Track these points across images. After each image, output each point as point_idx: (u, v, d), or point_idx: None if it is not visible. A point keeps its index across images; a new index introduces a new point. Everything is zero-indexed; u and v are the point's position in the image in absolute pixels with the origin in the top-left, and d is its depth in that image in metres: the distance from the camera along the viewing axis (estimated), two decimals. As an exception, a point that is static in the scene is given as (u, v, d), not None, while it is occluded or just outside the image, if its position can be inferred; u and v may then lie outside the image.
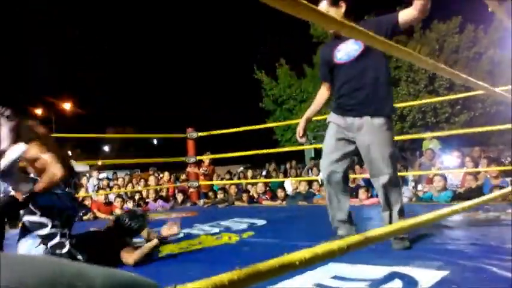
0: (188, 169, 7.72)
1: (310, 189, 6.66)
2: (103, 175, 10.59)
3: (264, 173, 9.79)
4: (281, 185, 6.99)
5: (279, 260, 0.63)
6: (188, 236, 3.66)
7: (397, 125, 11.90)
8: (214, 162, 8.60)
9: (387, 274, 2.08)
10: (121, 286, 0.53)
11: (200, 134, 7.11)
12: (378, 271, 2.13)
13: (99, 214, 5.92)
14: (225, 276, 0.54)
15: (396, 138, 9.24)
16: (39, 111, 24.30)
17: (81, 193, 6.68)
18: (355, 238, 0.84)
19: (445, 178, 5.53)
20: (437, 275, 1.97)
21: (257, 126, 7.30)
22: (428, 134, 8.40)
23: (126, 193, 7.50)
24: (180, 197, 7.27)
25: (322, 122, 12.72)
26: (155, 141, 31.66)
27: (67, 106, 25.17)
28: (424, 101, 8.83)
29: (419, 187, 6.17)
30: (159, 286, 0.58)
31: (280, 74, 14.53)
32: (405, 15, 2.43)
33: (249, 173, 8.94)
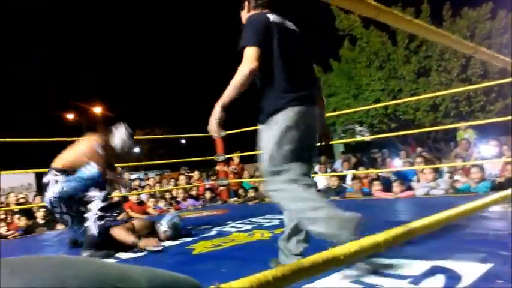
0: (217, 167, 7.75)
1: (343, 184, 6.55)
2: (134, 176, 10.80)
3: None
4: (311, 181, 6.91)
5: (322, 254, 0.59)
6: (221, 234, 3.65)
7: (429, 115, 11.56)
8: (244, 160, 8.59)
9: (428, 269, 2.01)
10: (165, 286, 0.52)
11: (228, 132, 7.11)
12: (418, 266, 2.05)
13: (132, 214, 6.03)
14: (268, 273, 0.51)
15: (429, 129, 9.04)
16: (70, 116, 24.97)
17: (115, 193, 6.81)
18: (400, 230, 0.79)
19: (482, 169, 5.33)
20: (480, 268, 1.88)
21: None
22: (463, 124, 8.12)
23: (156, 192, 7.60)
24: (208, 195, 7.30)
25: (351, 115, 12.62)
26: (183, 141, 32.04)
27: (97, 110, 25.76)
28: (457, 89, 8.55)
29: (456, 178, 5.96)
30: (201, 285, 0.56)
31: (306, 69, 14.40)
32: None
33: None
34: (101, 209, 3.20)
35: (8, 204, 6.77)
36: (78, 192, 3.22)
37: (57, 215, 3.33)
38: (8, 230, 5.14)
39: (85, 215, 3.19)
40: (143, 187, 8.33)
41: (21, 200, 6.94)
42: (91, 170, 3.21)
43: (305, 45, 2.26)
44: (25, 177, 12.55)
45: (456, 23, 12.14)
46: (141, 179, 9.84)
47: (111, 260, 3.00)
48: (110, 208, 3.38)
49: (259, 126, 2.17)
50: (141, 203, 6.59)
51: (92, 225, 3.15)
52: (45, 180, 3.27)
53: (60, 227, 5.22)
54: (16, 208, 5.87)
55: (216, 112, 2.03)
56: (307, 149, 2.14)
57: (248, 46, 2.02)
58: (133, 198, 6.67)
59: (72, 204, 3.24)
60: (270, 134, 2.07)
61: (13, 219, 5.69)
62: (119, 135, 3.45)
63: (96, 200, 3.20)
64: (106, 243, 3.20)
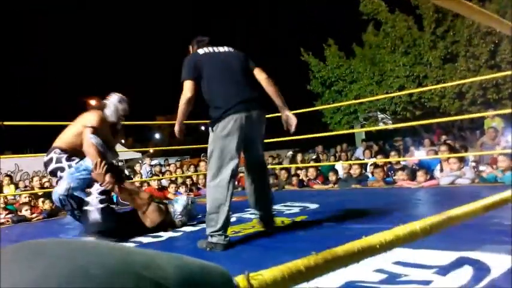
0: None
1: (365, 172, 6.44)
2: (155, 161, 10.88)
3: (314, 156, 9.64)
4: (332, 168, 6.81)
5: (357, 243, 0.55)
6: (240, 220, 3.63)
7: (455, 103, 11.22)
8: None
9: (455, 260, 1.94)
10: (193, 274, 0.50)
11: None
12: (444, 256, 1.98)
13: (152, 199, 6.06)
14: (300, 262, 0.48)
15: (454, 118, 8.80)
16: (93, 102, 25.32)
17: (136, 179, 6.89)
18: (436, 218, 0.74)
19: (510, 157, 5.14)
20: (509, 260, 1.80)
21: (305, 110, 7.13)
22: (490, 112, 7.86)
23: (176, 178, 7.64)
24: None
25: (374, 102, 12.38)
26: (203, 128, 32.25)
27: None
28: (485, 76, 8.25)
29: (482, 168, 5.78)
30: (229, 273, 0.55)
31: (328, 55, 14.14)
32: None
33: (299, 156, 8.81)
34: (102, 192, 3.05)
35: (32, 188, 6.92)
36: (85, 186, 3.09)
37: (68, 212, 3.21)
38: (32, 213, 5.24)
39: (85, 199, 3.04)
40: (163, 173, 8.39)
41: (46, 184, 7.08)
42: (84, 165, 3.09)
43: (239, 62, 2.79)
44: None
45: (485, 7, 11.69)
46: (161, 165, 9.91)
47: (131, 245, 3.01)
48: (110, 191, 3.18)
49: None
50: (161, 188, 6.64)
51: (94, 210, 3.00)
52: (46, 158, 3.15)
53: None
54: (40, 192, 5.98)
55: (176, 128, 2.89)
56: (248, 145, 2.79)
57: (184, 80, 2.70)
58: (154, 183, 6.73)
59: (82, 201, 3.09)
60: (213, 137, 2.63)
61: (37, 202, 5.80)
62: (112, 103, 3.34)
63: (95, 185, 3.06)
64: (114, 230, 3.07)
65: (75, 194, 3.08)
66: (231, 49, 2.87)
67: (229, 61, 2.77)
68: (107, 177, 3.04)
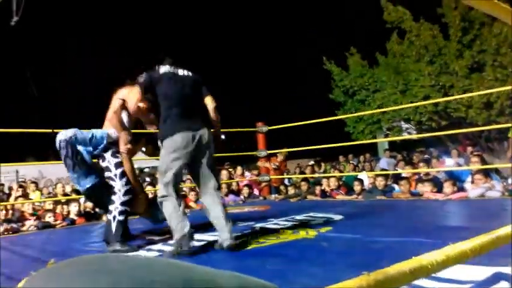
0: (259, 163, 7.70)
1: (392, 184, 6.29)
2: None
3: (337, 166, 9.51)
4: (357, 178, 6.66)
5: (409, 263, 0.51)
6: (264, 230, 3.59)
7: (482, 113, 10.90)
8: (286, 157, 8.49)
9: (490, 275, 1.86)
10: None
11: (270, 127, 7.05)
12: (478, 272, 1.90)
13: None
14: (352, 283, 0.45)
15: (481, 128, 8.53)
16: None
17: (158, 186, 6.90)
18: (485, 237, 0.69)
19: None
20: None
21: (327, 119, 7.08)
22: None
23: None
24: (245, 191, 7.20)
25: (398, 111, 12.17)
26: (223, 136, 32.32)
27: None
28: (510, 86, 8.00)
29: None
30: None
31: (351, 64, 14.01)
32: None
33: (322, 166, 8.71)
34: (123, 203, 3.17)
35: (55, 195, 7.01)
36: (88, 144, 3.18)
37: (62, 157, 3.18)
38: (56, 220, 5.29)
39: (109, 207, 3.16)
40: (184, 181, 8.39)
41: (68, 191, 7.18)
42: (103, 131, 3.26)
43: (194, 85, 3.07)
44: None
45: None
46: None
47: (142, 253, 3.01)
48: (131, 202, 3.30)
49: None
50: (182, 196, 6.61)
51: (112, 221, 3.11)
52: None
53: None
54: (63, 199, 6.05)
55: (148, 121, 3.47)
56: (193, 161, 2.97)
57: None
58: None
59: (79, 153, 3.16)
60: (163, 152, 2.89)
61: (62, 209, 5.86)
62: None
63: (119, 192, 3.18)
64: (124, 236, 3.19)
65: (77, 146, 3.15)
66: (190, 73, 3.12)
67: (184, 85, 3.01)
68: (127, 145, 3.22)
